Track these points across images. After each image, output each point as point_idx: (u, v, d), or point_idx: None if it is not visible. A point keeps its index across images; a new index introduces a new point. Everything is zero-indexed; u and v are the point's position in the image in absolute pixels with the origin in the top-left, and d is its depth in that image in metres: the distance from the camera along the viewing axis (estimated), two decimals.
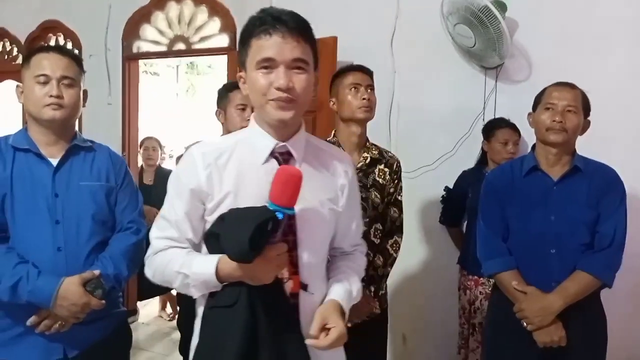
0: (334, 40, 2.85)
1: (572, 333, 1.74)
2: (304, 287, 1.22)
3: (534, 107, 1.90)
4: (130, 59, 3.98)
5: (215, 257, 1.15)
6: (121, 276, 1.65)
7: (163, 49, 3.87)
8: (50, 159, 1.65)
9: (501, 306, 1.87)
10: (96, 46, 4.00)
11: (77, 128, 4.20)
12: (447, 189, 2.93)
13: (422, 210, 3.14)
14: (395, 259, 2.06)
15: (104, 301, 1.57)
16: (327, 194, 1.27)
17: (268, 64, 1.14)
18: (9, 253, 1.51)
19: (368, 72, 2.05)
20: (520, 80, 2.87)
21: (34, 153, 1.63)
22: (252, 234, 1.02)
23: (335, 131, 2.07)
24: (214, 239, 1.16)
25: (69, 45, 4.12)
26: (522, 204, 1.85)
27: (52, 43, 4.16)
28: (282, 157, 1.23)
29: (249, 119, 2.33)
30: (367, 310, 1.96)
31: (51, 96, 1.60)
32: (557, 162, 1.84)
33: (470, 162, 2.92)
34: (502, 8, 2.71)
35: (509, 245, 1.86)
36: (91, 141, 1.80)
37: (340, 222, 1.33)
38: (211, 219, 1.20)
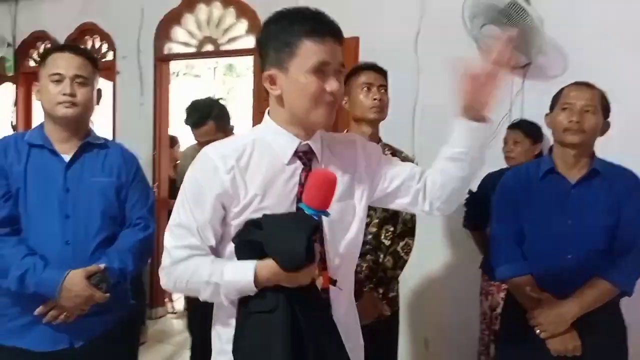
0: (355, 40, 2.83)
1: (588, 343, 1.67)
2: (333, 282, 1.23)
3: (552, 108, 1.83)
4: (162, 60, 4.07)
5: (250, 264, 1.12)
6: (127, 271, 1.67)
7: (193, 50, 3.95)
8: (64, 155, 1.69)
9: (515, 312, 1.80)
10: (129, 48, 4.12)
11: (111, 127, 4.37)
12: (470, 192, 2.84)
13: None
14: (405, 261, 2.02)
15: (108, 294, 1.60)
16: (347, 189, 1.26)
17: (323, 68, 1.14)
18: (19, 245, 1.57)
19: (381, 72, 2.02)
20: (551, 78, 2.76)
21: (48, 149, 1.68)
22: (308, 243, 1.04)
23: (347, 130, 2.05)
24: (251, 247, 1.13)
25: (104, 47, 4.27)
26: (538, 207, 1.78)
27: (89, 45, 4.32)
28: (306, 156, 1.22)
29: None
30: (375, 312, 1.92)
31: (64, 94, 1.64)
32: (575, 165, 1.76)
33: (496, 165, 2.83)
34: (526, 1, 2.61)
35: (523, 249, 1.80)
36: (105, 138, 1.83)
37: (399, 180, 1.32)
38: (236, 222, 1.17)
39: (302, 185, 1.18)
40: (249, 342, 1.13)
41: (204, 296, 1.18)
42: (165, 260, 1.22)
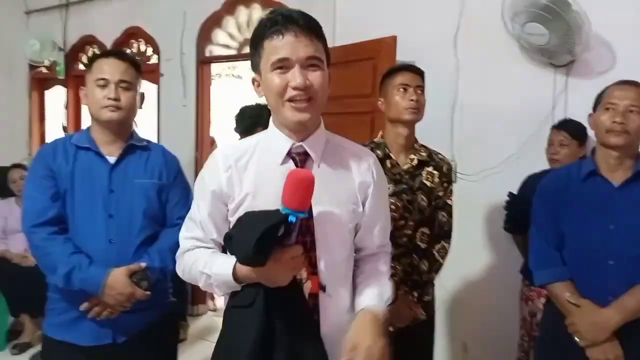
0: (393, 39, 2.80)
1: (631, 354, 1.61)
2: (323, 288, 1.22)
3: (595, 108, 1.78)
4: (203, 62, 4.16)
5: (233, 259, 1.17)
6: (167, 269, 1.72)
7: (233, 52, 4.02)
8: (108, 157, 1.76)
9: (554, 318, 1.76)
10: (173, 50, 4.22)
11: (156, 128, 4.48)
12: (510, 194, 2.79)
13: (485, 215, 3.02)
14: (441, 265, 1.99)
15: (149, 292, 1.66)
16: (346, 194, 1.26)
17: (283, 64, 1.15)
18: (65, 243, 1.64)
19: (418, 72, 2.00)
20: (597, 74, 2.66)
21: (94, 151, 1.75)
22: (259, 239, 1.04)
23: (382, 132, 2.04)
24: (230, 241, 1.18)
25: (149, 51, 4.39)
26: (579, 210, 1.73)
27: (134, 48, 4.45)
28: (300, 157, 1.23)
29: None
30: (410, 315, 1.91)
31: (109, 98, 1.71)
32: (619, 167, 1.70)
33: (538, 166, 2.76)
34: None
35: (563, 254, 1.75)
36: (147, 140, 1.89)
37: (364, 221, 1.31)
38: (233, 219, 1.23)
39: None
40: (225, 335, 1.20)
41: (201, 285, 1.25)
42: (178, 249, 1.34)
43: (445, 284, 2.92)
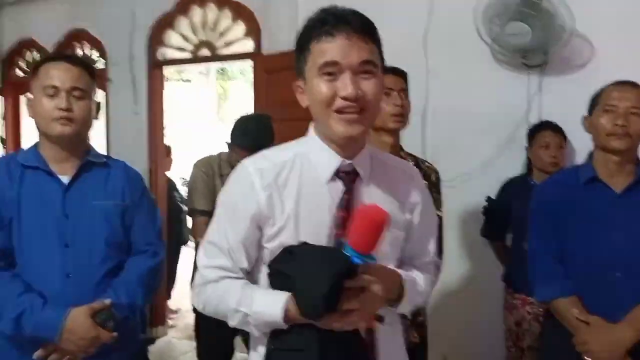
0: None
1: None
2: (380, 319, 1.08)
3: (590, 110, 1.70)
4: (155, 66, 3.92)
5: (281, 297, 1.02)
6: (135, 305, 1.53)
7: (188, 55, 3.79)
8: (62, 177, 1.54)
9: (557, 336, 1.66)
10: (121, 54, 3.97)
11: (105, 139, 4.17)
12: (489, 199, 2.72)
13: (462, 222, 2.93)
14: (434, 282, 1.86)
15: (115, 333, 1.45)
16: (396, 214, 1.12)
17: (332, 69, 1.01)
18: (13, 282, 1.41)
19: (401, 74, 1.87)
20: (570, 74, 2.62)
21: (44, 171, 1.53)
22: (328, 291, 0.92)
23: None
24: (283, 278, 1.03)
25: (95, 54, 4.11)
26: (580, 220, 1.64)
27: (78, 52, 4.15)
28: (348, 176, 1.09)
29: None
30: None
31: (60, 109, 1.49)
32: (620, 172, 1.62)
33: (514, 170, 2.71)
34: None
35: (566, 267, 1.65)
36: (106, 156, 1.69)
37: (414, 241, 1.20)
38: (271, 246, 1.07)
39: (343, 209, 1.07)
40: None
41: (232, 323, 1.10)
42: (196, 279, 1.16)
43: None
